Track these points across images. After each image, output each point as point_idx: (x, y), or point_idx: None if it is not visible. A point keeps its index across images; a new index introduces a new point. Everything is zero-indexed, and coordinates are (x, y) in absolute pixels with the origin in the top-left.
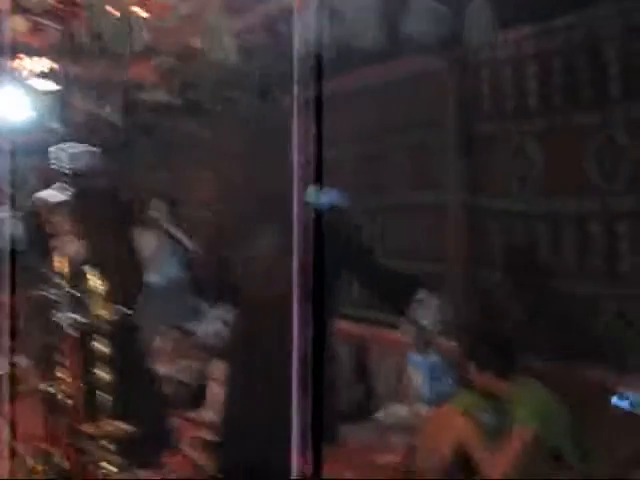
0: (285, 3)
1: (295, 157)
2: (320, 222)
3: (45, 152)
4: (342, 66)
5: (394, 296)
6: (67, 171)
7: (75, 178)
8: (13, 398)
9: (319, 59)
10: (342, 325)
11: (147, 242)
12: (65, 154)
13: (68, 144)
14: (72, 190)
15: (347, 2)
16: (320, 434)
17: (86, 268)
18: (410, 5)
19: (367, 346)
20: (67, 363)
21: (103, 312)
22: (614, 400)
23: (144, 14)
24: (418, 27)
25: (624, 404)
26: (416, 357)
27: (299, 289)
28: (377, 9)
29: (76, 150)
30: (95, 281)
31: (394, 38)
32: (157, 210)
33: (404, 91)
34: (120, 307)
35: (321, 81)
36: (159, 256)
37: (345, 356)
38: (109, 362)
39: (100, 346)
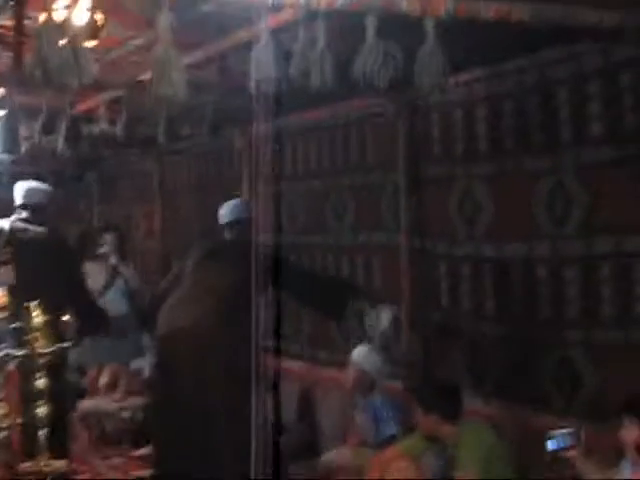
0: (236, 39)
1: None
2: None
3: None
4: (292, 104)
5: (331, 304)
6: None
7: (29, 212)
8: None
9: (272, 97)
10: (289, 364)
11: (95, 276)
12: (21, 189)
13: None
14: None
15: (297, 40)
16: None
17: (30, 303)
18: (360, 46)
19: (313, 386)
20: (5, 397)
21: (43, 347)
22: (549, 444)
23: (92, 44)
24: (368, 68)
25: (554, 445)
26: (361, 399)
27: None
28: (327, 48)
29: (32, 186)
30: (37, 316)
31: (344, 78)
32: (107, 244)
33: (354, 131)
34: (59, 342)
35: (274, 119)
36: (106, 290)
37: (291, 395)
38: (47, 397)
39: (38, 381)
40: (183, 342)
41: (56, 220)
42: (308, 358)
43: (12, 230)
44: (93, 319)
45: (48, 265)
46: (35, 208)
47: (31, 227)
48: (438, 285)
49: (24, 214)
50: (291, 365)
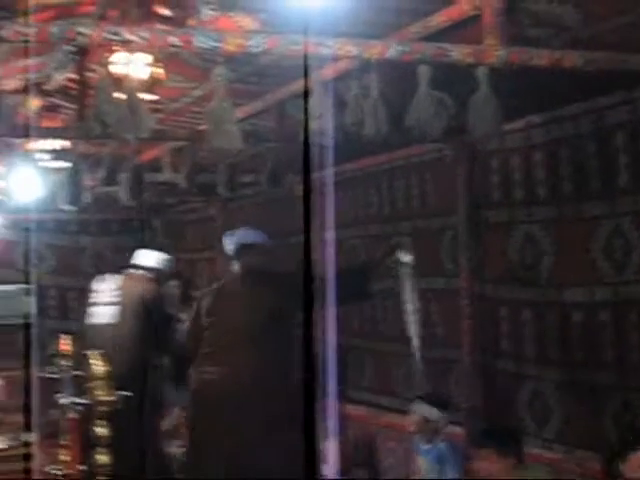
0: (294, 89)
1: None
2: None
3: (59, 230)
4: (351, 152)
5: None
6: None
7: None
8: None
9: (328, 146)
10: (350, 409)
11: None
12: None
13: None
14: None
15: (351, 91)
16: None
17: (89, 351)
18: (414, 95)
19: (374, 431)
20: (69, 444)
21: (103, 395)
22: None
23: (153, 97)
24: (421, 117)
25: None
26: (423, 444)
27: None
28: (380, 98)
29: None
30: (97, 364)
31: (398, 127)
32: (172, 290)
33: (413, 177)
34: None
35: (332, 166)
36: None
37: (352, 440)
38: (108, 445)
39: (100, 429)
40: (226, 389)
41: None
42: (370, 404)
43: None
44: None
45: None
46: None
47: None
48: (499, 329)
49: None
50: (353, 410)
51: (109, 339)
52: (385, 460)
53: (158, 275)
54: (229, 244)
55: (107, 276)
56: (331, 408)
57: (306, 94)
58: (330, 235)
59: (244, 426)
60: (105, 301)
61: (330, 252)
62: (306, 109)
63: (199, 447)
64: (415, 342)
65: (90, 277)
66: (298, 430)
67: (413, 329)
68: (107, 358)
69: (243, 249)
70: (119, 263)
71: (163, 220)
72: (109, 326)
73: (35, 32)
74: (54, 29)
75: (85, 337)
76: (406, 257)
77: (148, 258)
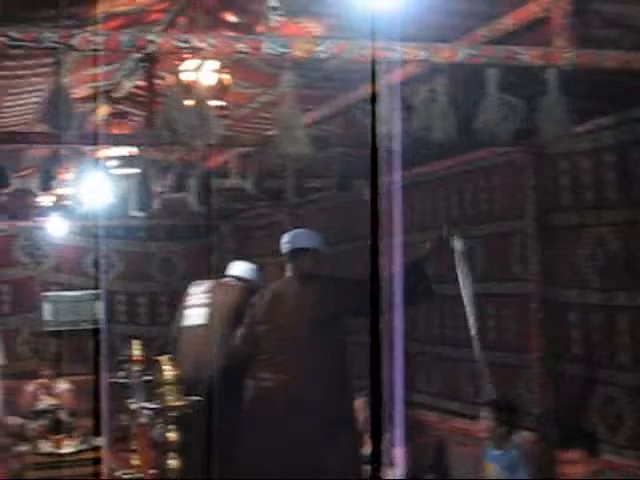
0: (361, 93)
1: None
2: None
3: (127, 236)
4: (419, 156)
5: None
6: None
7: None
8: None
9: (396, 151)
10: (420, 414)
11: None
12: None
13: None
14: None
15: (419, 95)
16: None
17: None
18: (482, 98)
19: (444, 436)
20: (139, 449)
21: (174, 400)
22: None
23: (221, 103)
24: (490, 121)
25: None
26: (493, 450)
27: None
28: (449, 102)
29: None
30: (168, 369)
31: (468, 131)
32: None
33: (482, 180)
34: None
35: (401, 170)
36: None
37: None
38: (178, 450)
39: (170, 433)
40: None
41: None
42: (439, 409)
43: None
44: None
45: None
46: None
47: None
48: (569, 334)
49: None
50: (422, 416)
51: (199, 339)
52: (454, 465)
53: (248, 285)
54: (284, 245)
55: (201, 281)
56: (399, 414)
57: (374, 98)
58: (398, 240)
59: (303, 432)
60: (197, 303)
61: (398, 256)
62: (374, 113)
63: (256, 453)
64: (474, 332)
65: (158, 283)
66: (355, 434)
67: (471, 321)
68: (197, 358)
69: (296, 252)
70: (187, 269)
71: (231, 225)
72: (200, 327)
73: (105, 40)
74: (124, 37)
75: (177, 339)
76: (459, 244)
77: (241, 269)
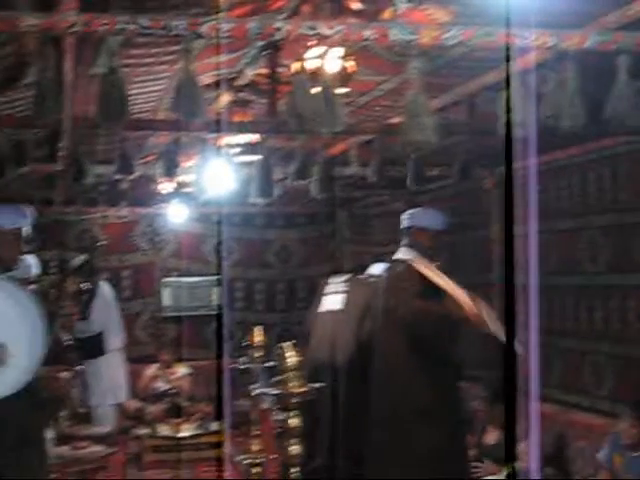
0: (485, 81)
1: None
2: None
3: (246, 223)
4: (543, 144)
5: None
6: None
7: None
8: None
9: (528, 138)
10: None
11: None
12: None
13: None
14: None
15: (547, 82)
16: None
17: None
18: (613, 85)
19: (563, 430)
20: (260, 434)
21: (297, 386)
22: None
23: (345, 90)
24: (620, 108)
25: None
26: (631, 453)
27: None
28: (577, 89)
29: None
30: (291, 355)
31: (595, 119)
32: None
33: (606, 169)
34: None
35: (524, 159)
36: None
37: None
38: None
39: (292, 419)
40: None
41: None
42: (558, 401)
43: None
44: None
45: None
46: None
47: None
48: None
49: None
50: (542, 408)
51: (334, 324)
52: (574, 459)
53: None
54: (403, 222)
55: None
56: (531, 408)
57: (508, 84)
58: (533, 227)
59: (394, 422)
60: (335, 290)
61: (533, 244)
62: (508, 100)
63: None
64: None
65: (276, 270)
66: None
67: None
68: (331, 343)
69: (414, 231)
70: (304, 256)
71: (348, 213)
72: (336, 312)
73: (232, 28)
74: (252, 25)
75: (313, 324)
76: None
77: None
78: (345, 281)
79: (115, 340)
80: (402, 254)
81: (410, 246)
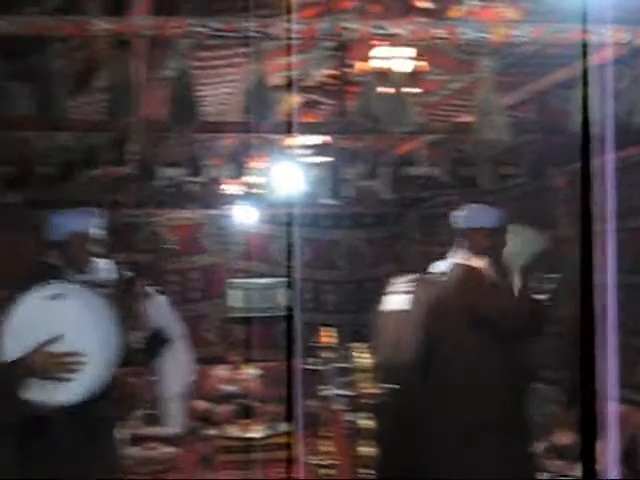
0: (556, 78)
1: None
2: None
3: (313, 224)
4: (616, 141)
5: None
6: None
7: None
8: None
9: (604, 135)
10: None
11: None
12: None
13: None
14: None
15: (622, 79)
16: None
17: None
18: None
19: (637, 430)
20: (331, 435)
21: (369, 387)
22: None
23: (415, 90)
24: None
25: None
26: None
27: None
28: None
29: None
30: (363, 356)
31: None
32: None
33: None
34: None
35: (597, 156)
36: None
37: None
38: (374, 438)
39: (364, 421)
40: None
41: None
42: (631, 401)
43: None
44: None
45: None
46: None
47: None
48: None
49: None
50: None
51: (399, 324)
52: None
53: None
54: (455, 221)
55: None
56: (608, 409)
57: (585, 81)
58: (611, 225)
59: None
60: (400, 290)
61: (611, 244)
62: (585, 97)
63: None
64: None
65: (344, 271)
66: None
67: None
68: (394, 344)
69: (469, 231)
70: (372, 257)
71: (417, 214)
72: (401, 312)
73: (302, 29)
74: (322, 25)
75: (377, 325)
76: None
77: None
78: (410, 281)
79: (175, 336)
80: (458, 254)
81: (465, 246)
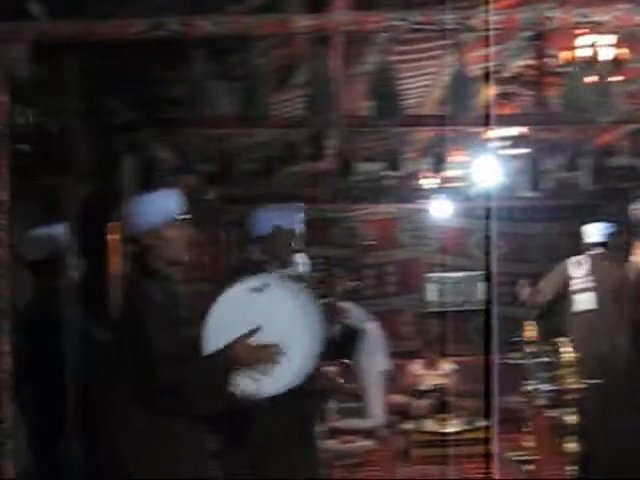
0: None
1: None
2: None
3: (509, 217)
4: None
5: None
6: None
7: None
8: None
9: None
10: None
11: None
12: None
13: None
14: None
15: None
16: None
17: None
18: None
19: None
20: (533, 431)
21: (574, 382)
22: None
23: (618, 78)
24: None
25: None
26: None
27: None
28: None
29: None
30: (567, 351)
31: None
32: None
33: None
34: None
35: None
36: None
37: None
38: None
39: (569, 417)
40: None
41: None
42: None
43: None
44: None
45: None
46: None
47: None
48: None
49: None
50: None
51: (591, 327)
52: None
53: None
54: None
55: (577, 259)
56: None
57: None
58: None
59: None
60: (582, 287)
61: None
62: None
63: None
64: None
65: (540, 264)
66: None
67: None
68: (588, 346)
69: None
70: (570, 251)
71: (617, 206)
72: (590, 313)
73: (502, 19)
74: (524, 15)
75: (569, 326)
76: None
77: (596, 233)
78: (588, 274)
79: (370, 330)
80: None
81: None
